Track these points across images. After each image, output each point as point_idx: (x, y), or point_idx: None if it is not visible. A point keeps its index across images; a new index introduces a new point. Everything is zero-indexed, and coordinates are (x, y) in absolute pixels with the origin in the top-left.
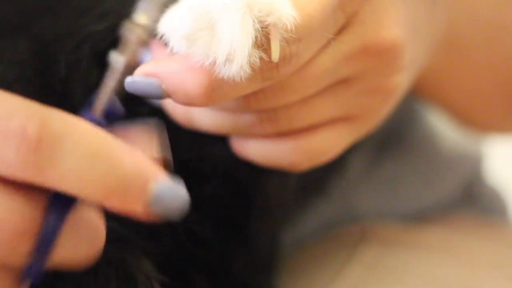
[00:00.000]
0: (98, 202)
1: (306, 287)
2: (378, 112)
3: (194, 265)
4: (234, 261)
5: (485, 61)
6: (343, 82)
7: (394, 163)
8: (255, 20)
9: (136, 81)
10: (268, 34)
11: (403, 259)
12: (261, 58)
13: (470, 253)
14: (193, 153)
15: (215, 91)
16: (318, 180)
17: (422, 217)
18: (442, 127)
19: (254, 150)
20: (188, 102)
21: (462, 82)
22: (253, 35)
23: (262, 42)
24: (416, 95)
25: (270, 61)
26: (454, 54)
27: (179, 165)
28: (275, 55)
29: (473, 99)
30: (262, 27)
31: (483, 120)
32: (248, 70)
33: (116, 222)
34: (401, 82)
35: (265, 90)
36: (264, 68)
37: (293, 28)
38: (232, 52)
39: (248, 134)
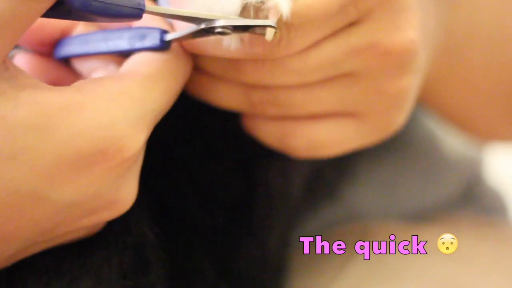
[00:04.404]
0: None
1: (307, 285)
2: (388, 116)
3: (202, 253)
4: (241, 253)
5: (484, 70)
6: (348, 76)
7: (394, 162)
8: (251, 2)
9: None
10: (262, 17)
11: (403, 258)
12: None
13: (470, 252)
14: (198, 124)
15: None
16: (328, 184)
17: (422, 216)
18: (442, 126)
19: (260, 127)
20: None
21: (462, 90)
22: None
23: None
24: (417, 99)
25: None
26: (453, 62)
27: (184, 136)
28: (270, 34)
29: (472, 106)
30: (258, 9)
31: (483, 127)
32: (236, 41)
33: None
34: (410, 85)
35: (265, 61)
36: (251, 42)
37: (288, 15)
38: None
39: (253, 113)
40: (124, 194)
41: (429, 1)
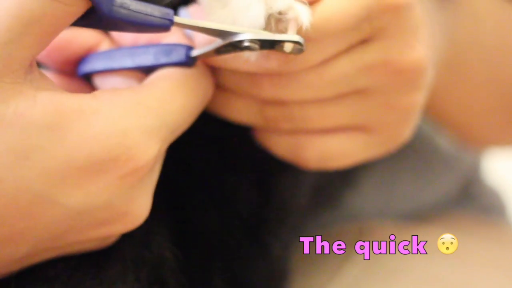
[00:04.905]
0: None
1: (304, 286)
2: (396, 130)
3: (218, 271)
4: (252, 267)
5: (486, 82)
6: (361, 93)
7: (390, 162)
8: (272, 14)
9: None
10: (282, 28)
11: (401, 258)
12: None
13: (468, 252)
14: (214, 137)
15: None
16: (333, 191)
17: (419, 216)
18: (437, 127)
19: (272, 140)
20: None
21: (463, 101)
22: (262, 18)
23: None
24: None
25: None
26: (455, 75)
27: (202, 150)
28: (289, 47)
29: (472, 116)
30: (278, 21)
31: (482, 135)
32: (257, 54)
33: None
34: (419, 100)
35: (281, 76)
36: (268, 56)
37: (308, 27)
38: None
39: (267, 128)
40: (137, 207)
41: (435, 16)
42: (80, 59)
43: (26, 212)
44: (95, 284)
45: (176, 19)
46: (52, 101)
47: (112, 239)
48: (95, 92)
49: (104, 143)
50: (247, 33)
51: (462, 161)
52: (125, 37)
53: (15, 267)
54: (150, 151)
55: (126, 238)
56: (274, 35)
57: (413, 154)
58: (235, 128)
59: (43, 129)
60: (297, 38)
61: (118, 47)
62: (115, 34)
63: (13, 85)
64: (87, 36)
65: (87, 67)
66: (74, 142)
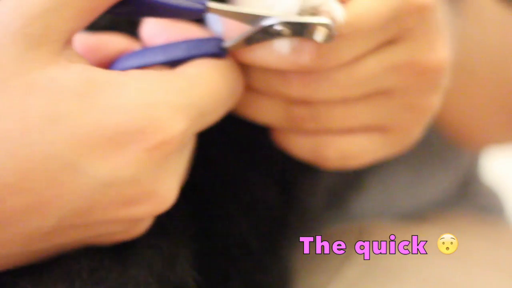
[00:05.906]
0: None
1: (304, 286)
2: (412, 130)
3: (236, 273)
4: (268, 272)
5: (489, 85)
6: (384, 93)
7: (388, 161)
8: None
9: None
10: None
11: (401, 258)
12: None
13: (467, 251)
14: (238, 137)
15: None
16: (339, 197)
17: (418, 215)
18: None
19: (292, 141)
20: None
21: (465, 104)
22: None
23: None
24: None
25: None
26: (459, 78)
27: (227, 151)
28: (321, 35)
29: (474, 117)
30: (311, 15)
31: (482, 138)
32: (288, 46)
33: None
34: (436, 102)
35: (311, 74)
36: (300, 50)
37: (340, 21)
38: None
39: (289, 128)
40: (164, 188)
41: (446, 19)
42: (113, 61)
43: (53, 179)
44: (120, 282)
45: (209, 4)
46: (84, 71)
47: (140, 227)
48: (126, 70)
49: (132, 114)
50: (278, 16)
51: (461, 160)
52: (157, 41)
53: (41, 246)
54: (178, 126)
55: (155, 248)
56: (304, 18)
57: (411, 153)
58: (258, 127)
59: (74, 96)
60: (326, 20)
61: (151, 46)
62: (147, 38)
63: (50, 54)
64: (119, 40)
65: (120, 65)
66: (103, 111)
